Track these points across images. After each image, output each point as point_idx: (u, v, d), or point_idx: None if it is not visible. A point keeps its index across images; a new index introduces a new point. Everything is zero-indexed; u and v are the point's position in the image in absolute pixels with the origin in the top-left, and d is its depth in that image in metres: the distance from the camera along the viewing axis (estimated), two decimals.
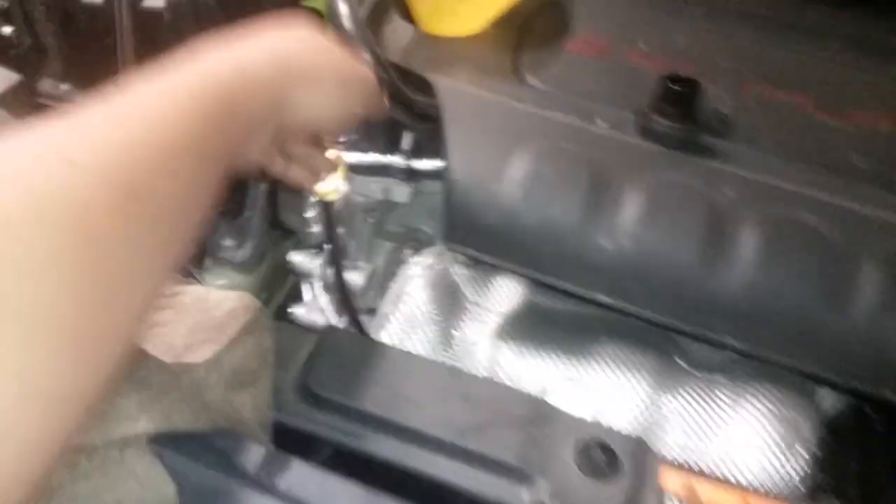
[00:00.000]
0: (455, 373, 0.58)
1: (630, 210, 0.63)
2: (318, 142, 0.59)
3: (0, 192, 0.32)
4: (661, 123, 0.67)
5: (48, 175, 0.33)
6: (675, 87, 0.66)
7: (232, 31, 0.46)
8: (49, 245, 0.32)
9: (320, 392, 0.49)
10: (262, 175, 0.54)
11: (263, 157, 0.54)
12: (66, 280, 0.32)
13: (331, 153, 0.66)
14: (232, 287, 0.87)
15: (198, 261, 0.84)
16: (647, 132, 0.68)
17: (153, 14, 0.66)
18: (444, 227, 0.66)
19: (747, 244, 0.61)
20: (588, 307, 0.67)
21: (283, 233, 0.91)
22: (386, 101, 0.62)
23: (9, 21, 0.66)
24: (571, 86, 0.72)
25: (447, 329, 0.71)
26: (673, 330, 0.65)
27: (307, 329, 0.56)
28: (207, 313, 0.46)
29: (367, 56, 0.65)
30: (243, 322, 0.48)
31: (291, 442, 0.46)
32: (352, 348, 0.54)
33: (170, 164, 0.37)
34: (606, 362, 0.69)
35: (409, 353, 0.63)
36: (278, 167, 0.56)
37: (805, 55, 0.78)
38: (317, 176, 0.60)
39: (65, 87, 0.72)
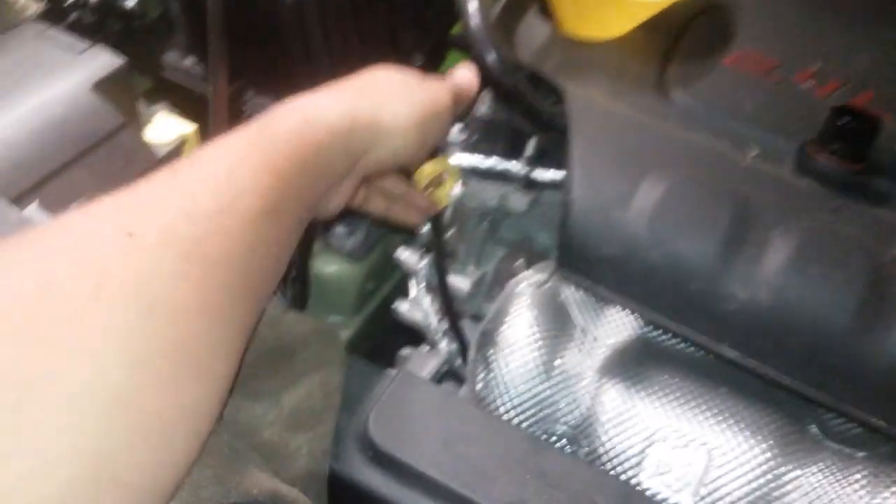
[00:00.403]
0: (535, 443, 0.52)
1: (774, 257, 0.55)
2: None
3: (53, 266, 0.30)
4: (827, 161, 0.58)
5: (104, 247, 0.31)
6: (849, 121, 0.56)
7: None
8: (107, 321, 0.30)
9: (382, 445, 0.45)
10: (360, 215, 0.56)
11: (354, 201, 0.55)
12: (130, 359, 0.30)
13: (444, 159, 0.62)
14: (340, 274, 0.85)
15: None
16: (808, 169, 0.59)
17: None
18: (559, 251, 0.61)
19: None
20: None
21: (397, 228, 0.88)
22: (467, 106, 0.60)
23: None
24: (724, 106, 0.64)
25: (550, 357, 0.65)
26: (809, 399, 0.56)
27: (382, 371, 0.52)
28: (279, 339, 0.43)
29: (493, 58, 0.60)
30: (314, 352, 0.44)
31: (347, 496, 0.42)
32: (424, 398, 0.49)
33: (239, 227, 0.36)
34: (725, 418, 0.61)
35: (487, 414, 0.58)
36: (378, 207, 0.57)
37: None
38: (420, 212, 0.61)
39: (190, 60, 0.71)
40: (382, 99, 0.48)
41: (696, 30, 0.70)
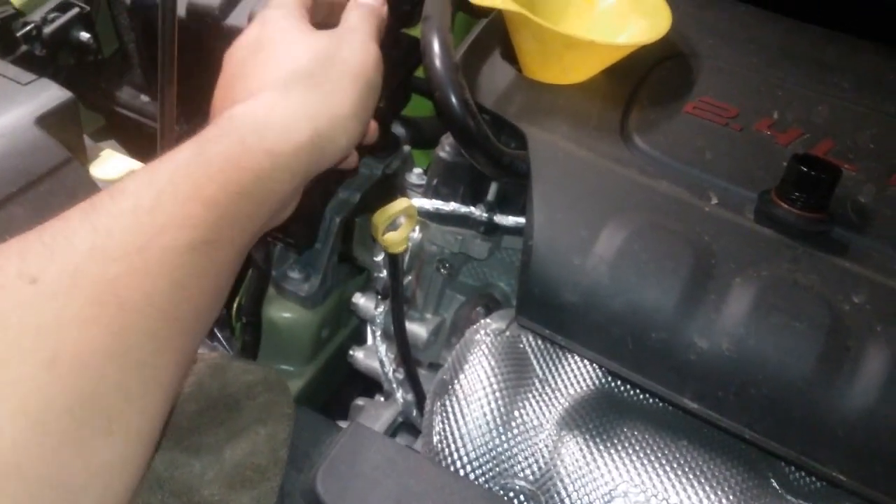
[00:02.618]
0: (492, 499, 0.50)
1: (735, 306, 0.54)
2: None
3: None
4: (788, 210, 0.57)
5: (8, 296, 0.29)
6: (809, 171, 0.56)
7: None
8: (3, 376, 0.28)
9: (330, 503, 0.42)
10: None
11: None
12: (28, 418, 0.28)
13: (405, 201, 0.60)
14: (294, 321, 0.82)
15: (222, 323, 0.80)
16: (768, 217, 0.58)
17: (236, 31, 0.62)
18: (518, 298, 0.59)
19: (873, 365, 0.52)
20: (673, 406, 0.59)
21: (353, 269, 0.87)
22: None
23: (89, 28, 0.64)
24: (685, 153, 0.63)
25: (508, 408, 0.63)
26: (769, 452, 0.55)
27: (334, 423, 0.50)
28: (223, 389, 0.41)
29: (455, 100, 0.59)
30: (261, 403, 0.42)
31: None
32: (377, 452, 0.47)
33: (161, 264, 0.33)
34: (685, 472, 0.59)
35: (442, 470, 0.56)
36: None
37: None
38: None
39: (144, 98, 0.69)
40: (323, 97, 0.45)
41: (658, 77, 0.70)
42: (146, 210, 0.34)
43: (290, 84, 0.45)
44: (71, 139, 0.50)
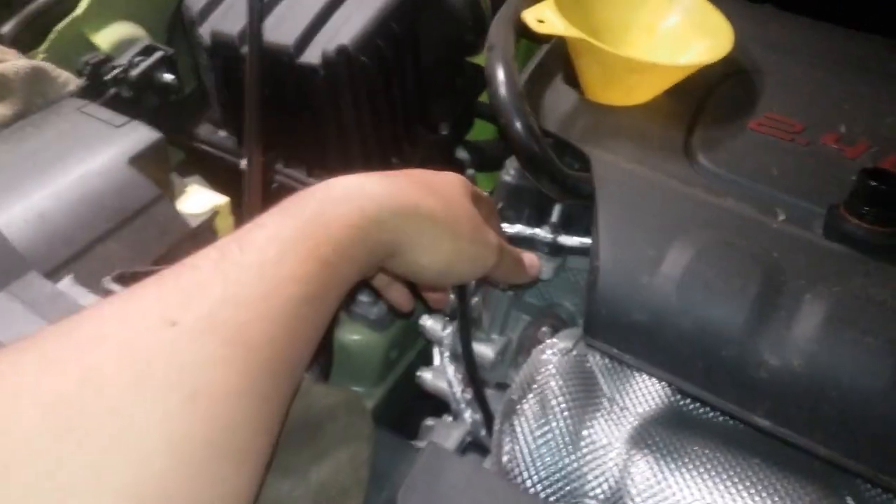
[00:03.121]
0: None
1: (806, 322, 0.54)
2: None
3: (95, 359, 0.30)
4: (857, 225, 0.57)
5: (147, 337, 0.31)
6: (879, 185, 0.56)
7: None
8: (150, 411, 0.30)
9: None
10: None
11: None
12: (173, 449, 0.30)
13: None
14: (364, 344, 0.85)
15: None
16: (837, 232, 0.58)
17: (309, 69, 0.65)
18: (585, 318, 0.60)
19: None
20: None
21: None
22: (525, 274, 0.64)
23: (172, 69, 0.68)
24: (751, 170, 0.63)
25: (577, 427, 0.64)
26: (844, 469, 0.55)
27: (410, 444, 0.52)
28: (307, 411, 0.43)
29: (519, 125, 0.61)
30: (343, 425, 0.44)
31: None
32: (454, 472, 0.48)
33: (282, 313, 0.36)
34: (758, 491, 0.59)
35: (516, 489, 0.57)
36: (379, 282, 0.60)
37: None
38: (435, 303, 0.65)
39: (222, 133, 0.73)
40: (437, 207, 0.49)
41: (721, 94, 0.71)
42: (272, 263, 0.38)
43: (412, 178, 0.50)
44: (160, 176, 0.53)
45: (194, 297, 0.35)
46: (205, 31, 0.70)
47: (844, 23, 0.80)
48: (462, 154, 0.86)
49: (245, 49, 0.66)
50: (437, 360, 0.82)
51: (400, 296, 0.65)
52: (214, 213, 0.56)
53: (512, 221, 0.72)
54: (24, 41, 0.67)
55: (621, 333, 0.59)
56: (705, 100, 0.70)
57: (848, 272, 0.56)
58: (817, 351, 0.53)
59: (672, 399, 0.65)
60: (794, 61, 0.74)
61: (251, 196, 0.58)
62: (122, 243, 0.47)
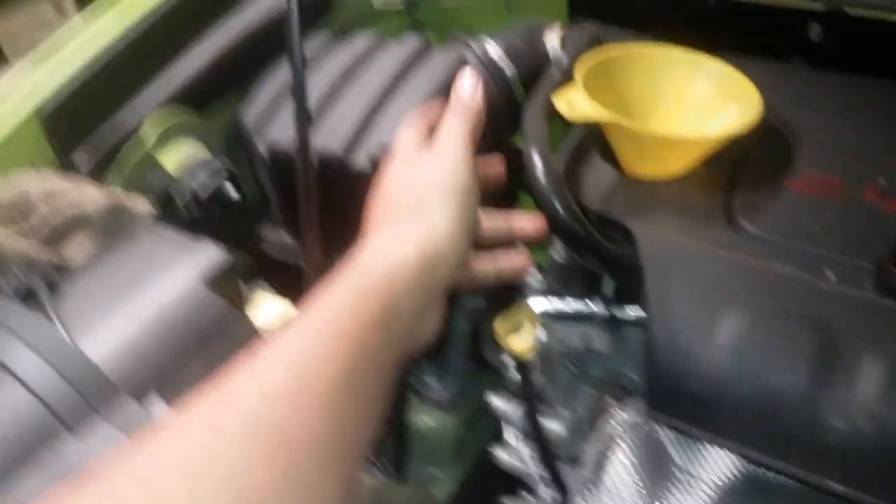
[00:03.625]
0: None
1: (868, 383, 0.54)
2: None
3: (151, 474, 0.33)
4: None
5: (194, 447, 0.34)
6: None
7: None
8: None
9: None
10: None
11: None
12: None
13: (524, 307, 0.64)
14: (436, 426, 0.86)
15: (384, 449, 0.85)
16: (889, 287, 0.58)
17: (359, 173, 0.69)
18: (647, 394, 0.61)
19: None
20: None
21: (486, 369, 0.90)
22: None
23: (237, 187, 0.73)
24: (795, 231, 0.64)
25: (652, 500, 0.65)
26: None
27: None
28: None
29: (560, 208, 0.63)
30: None
31: None
32: None
33: (317, 402, 0.38)
34: None
35: None
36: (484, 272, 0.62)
37: None
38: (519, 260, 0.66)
39: (285, 234, 0.77)
40: (424, 222, 0.51)
41: (756, 157, 0.72)
42: (298, 355, 0.40)
43: (398, 216, 0.52)
44: (233, 292, 0.57)
45: (234, 402, 0.37)
46: (260, 144, 0.74)
47: (873, 73, 0.81)
48: None
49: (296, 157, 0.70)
50: (508, 438, 0.83)
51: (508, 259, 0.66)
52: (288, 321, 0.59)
53: (565, 297, 0.74)
54: (95, 171, 0.73)
55: (684, 406, 0.59)
56: (741, 164, 0.71)
57: None
58: (884, 412, 0.53)
59: (745, 467, 0.65)
60: (825, 116, 0.75)
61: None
62: (205, 362, 0.50)
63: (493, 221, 0.64)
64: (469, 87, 0.60)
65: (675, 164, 0.70)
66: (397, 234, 0.50)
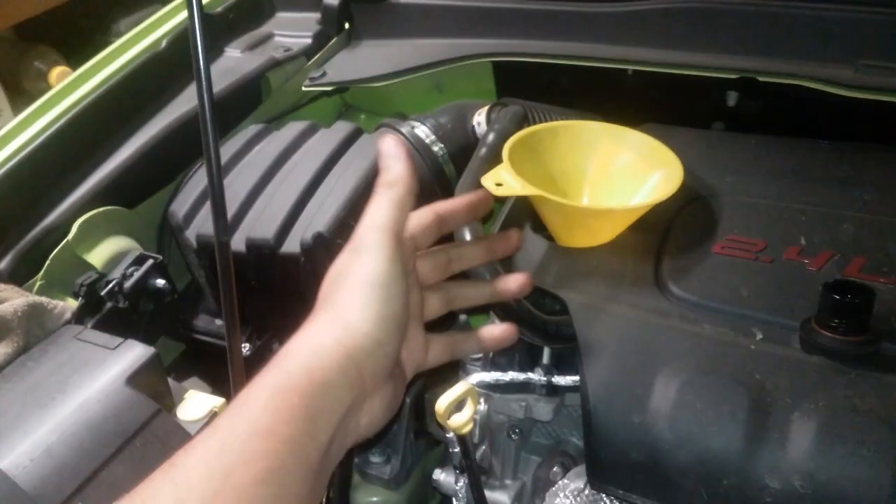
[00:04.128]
0: None
1: (800, 441, 0.55)
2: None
3: None
4: (831, 337, 0.58)
5: None
6: (843, 297, 0.58)
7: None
8: None
9: None
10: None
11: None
12: None
13: (463, 385, 0.64)
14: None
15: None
16: (814, 346, 0.59)
17: (290, 258, 0.70)
18: (587, 463, 0.61)
19: None
20: None
21: (430, 442, 0.89)
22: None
23: (164, 275, 0.72)
24: (722, 294, 0.66)
25: None
26: None
27: None
28: None
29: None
30: None
31: None
32: None
33: (238, 500, 0.37)
34: None
35: None
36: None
37: None
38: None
39: (219, 322, 0.76)
40: (342, 315, 0.49)
41: (682, 223, 0.74)
42: (215, 456, 0.39)
43: (324, 310, 0.50)
44: (158, 389, 0.56)
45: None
46: (191, 234, 0.74)
47: (789, 134, 0.84)
48: None
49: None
50: None
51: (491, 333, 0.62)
52: (213, 416, 0.58)
53: (505, 369, 0.73)
54: (21, 273, 0.72)
55: (623, 475, 0.59)
56: (668, 230, 0.73)
57: (831, 384, 0.57)
58: (815, 469, 0.53)
59: None
60: (746, 180, 0.78)
61: (236, 386, 0.60)
62: (127, 465, 0.49)
63: (476, 291, 0.62)
64: (388, 157, 0.55)
65: (603, 234, 0.71)
66: (318, 330, 0.48)
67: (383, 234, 0.52)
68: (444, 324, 0.89)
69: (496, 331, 0.61)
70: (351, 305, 0.49)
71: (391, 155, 0.54)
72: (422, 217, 0.56)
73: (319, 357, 0.46)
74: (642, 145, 0.76)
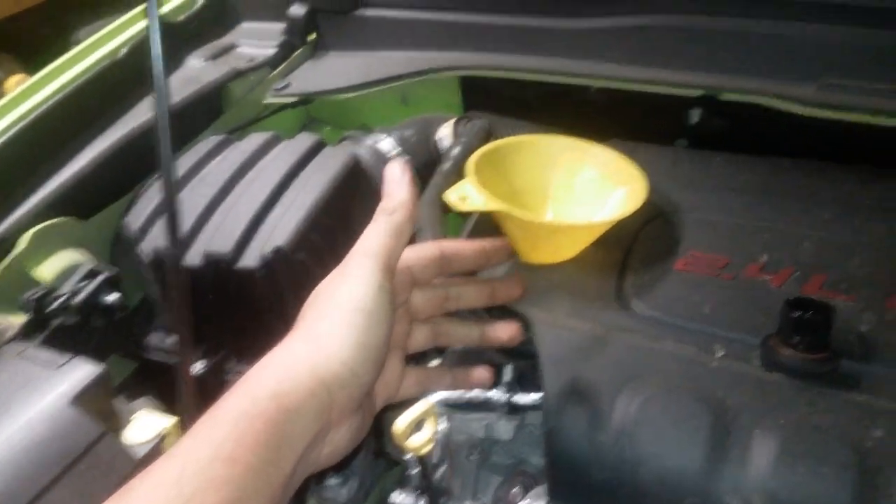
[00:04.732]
0: None
1: (761, 459, 0.54)
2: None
3: None
4: (792, 355, 0.58)
5: None
6: (803, 315, 0.58)
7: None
8: None
9: None
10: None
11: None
12: None
13: (423, 404, 0.63)
14: None
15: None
16: (775, 363, 0.59)
17: (248, 272, 0.68)
18: (548, 482, 0.60)
19: None
20: None
21: (389, 463, 0.88)
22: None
23: (116, 289, 0.70)
24: (684, 311, 0.65)
25: None
26: None
27: None
28: None
29: None
30: None
31: None
32: None
33: None
34: None
35: None
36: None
37: None
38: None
39: (171, 339, 0.74)
40: (318, 341, 0.47)
41: (645, 239, 0.74)
42: (173, 482, 0.37)
43: (301, 334, 0.48)
44: (105, 409, 0.54)
45: None
46: (145, 248, 0.72)
47: (751, 152, 0.85)
48: None
49: (186, 260, 0.68)
50: None
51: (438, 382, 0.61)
52: (162, 438, 0.56)
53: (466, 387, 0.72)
54: None
55: (585, 493, 0.59)
56: (632, 246, 0.73)
57: (791, 402, 0.57)
58: (776, 488, 0.53)
59: None
60: (709, 197, 0.78)
61: (186, 405, 0.58)
62: (69, 489, 0.47)
63: (465, 333, 0.61)
64: (392, 182, 0.53)
65: (566, 250, 0.71)
66: (292, 353, 0.46)
67: (374, 261, 0.50)
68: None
69: (473, 374, 0.60)
70: (330, 330, 0.47)
71: (395, 180, 0.53)
72: (425, 252, 0.55)
73: (291, 381, 0.44)
74: (607, 161, 0.76)
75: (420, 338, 0.58)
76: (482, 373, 0.60)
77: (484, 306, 0.61)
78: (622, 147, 0.77)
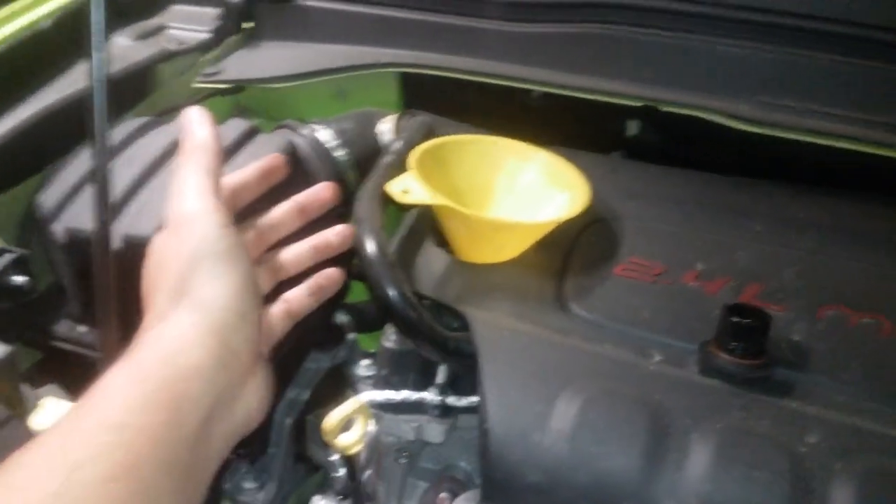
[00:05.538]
0: None
1: (697, 463, 0.54)
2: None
3: None
4: (728, 360, 0.59)
5: None
6: (740, 320, 0.58)
7: None
8: None
9: None
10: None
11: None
12: None
13: (353, 402, 0.60)
14: None
15: None
16: (711, 369, 0.60)
17: None
18: (482, 483, 0.58)
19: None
20: None
21: (309, 468, 0.84)
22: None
23: (25, 270, 0.65)
24: (623, 315, 0.66)
25: None
26: None
27: None
28: None
29: (394, 293, 0.61)
30: None
31: None
32: None
33: (80, 499, 0.34)
34: None
35: None
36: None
37: (889, 271, 0.71)
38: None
39: (82, 329, 0.69)
40: (204, 295, 0.45)
41: (586, 243, 0.73)
42: (56, 453, 0.35)
43: (171, 297, 0.46)
44: (10, 393, 0.49)
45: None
46: (58, 228, 0.67)
47: (688, 165, 0.86)
48: (342, 317, 0.85)
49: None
50: None
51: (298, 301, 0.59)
52: None
53: (397, 387, 0.70)
54: None
55: (520, 496, 0.57)
56: (572, 249, 0.73)
57: (727, 407, 0.58)
58: (711, 491, 0.53)
59: None
60: (649, 205, 0.79)
61: None
62: None
63: (296, 251, 0.60)
64: (191, 123, 0.53)
65: (507, 249, 0.70)
66: (167, 318, 0.44)
67: (206, 201, 0.48)
68: (330, 342, 0.86)
69: (322, 277, 0.60)
70: (196, 282, 0.45)
71: (194, 121, 0.52)
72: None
73: (178, 341, 0.42)
74: (550, 164, 0.75)
75: (262, 279, 0.56)
76: (332, 273, 0.60)
77: (302, 225, 0.62)
78: (563, 153, 0.77)
